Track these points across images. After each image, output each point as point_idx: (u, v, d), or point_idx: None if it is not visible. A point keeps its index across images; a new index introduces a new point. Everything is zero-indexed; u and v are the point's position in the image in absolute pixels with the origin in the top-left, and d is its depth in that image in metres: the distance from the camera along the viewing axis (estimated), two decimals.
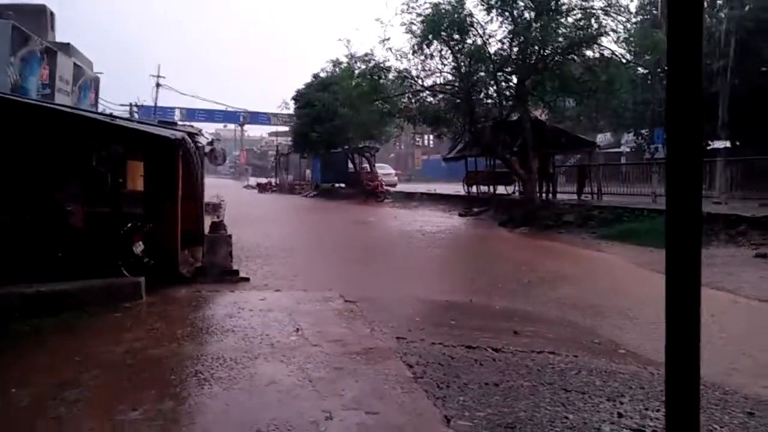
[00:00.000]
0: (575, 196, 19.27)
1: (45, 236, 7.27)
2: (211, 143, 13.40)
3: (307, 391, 3.83)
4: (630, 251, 11.34)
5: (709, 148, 20.95)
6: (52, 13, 19.38)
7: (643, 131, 29.72)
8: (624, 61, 18.00)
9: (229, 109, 62.66)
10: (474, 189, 24.12)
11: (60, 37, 19.88)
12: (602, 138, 34.81)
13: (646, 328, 6.02)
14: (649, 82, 23.27)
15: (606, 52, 17.12)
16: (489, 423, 3.32)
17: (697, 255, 1.39)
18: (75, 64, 19.28)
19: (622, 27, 16.76)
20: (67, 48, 19.13)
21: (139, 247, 7.58)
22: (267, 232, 14.80)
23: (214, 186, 18.93)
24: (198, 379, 4.04)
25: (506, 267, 10.36)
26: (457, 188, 26.02)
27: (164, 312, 6.13)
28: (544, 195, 19.97)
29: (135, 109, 45.32)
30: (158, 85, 45.28)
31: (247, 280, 8.25)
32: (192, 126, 13.89)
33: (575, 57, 17.16)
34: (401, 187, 34.05)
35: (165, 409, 3.56)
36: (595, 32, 16.26)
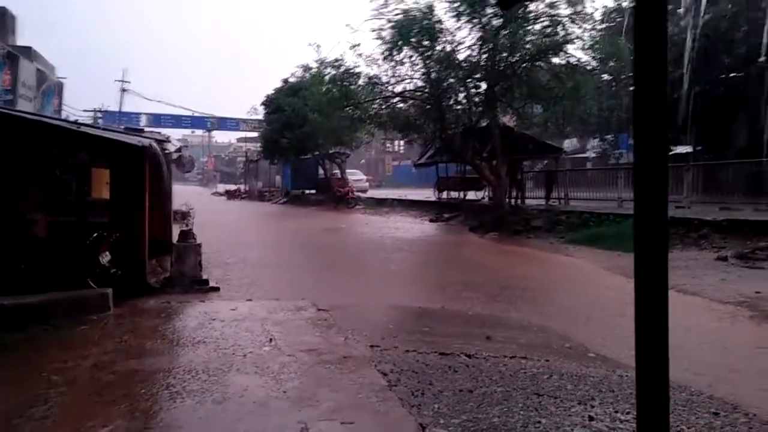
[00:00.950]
0: (543, 201, 19.60)
1: (7, 247, 7.07)
2: (178, 150, 13.22)
3: (282, 402, 3.81)
4: (598, 255, 11.56)
5: (672, 152, 21.56)
6: (13, 16, 18.89)
7: (608, 137, 30.51)
8: (589, 68, 18.41)
9: (197, 114, 61.97)
10: (445, 195, 24.35)
11: (21, 40, 19.38)
12: (569, 144, 35.49)
13: (615, 332, 6.16)
14: (613, 88, 23.86)
15: (572, 59, 17.48)
16: (464, 430, 3.35)
17: (664, 258, 1.44)
18: (38, 69, 18.82)
19: (587, 35, 17.19)
20: (29, 52, 18.66)
21: (105, 258, 7.43)
22: (237, 240, 14.66)
23: (182, 193, 18.59)
24: (170, 393, 3.98)
25: (477, 273, 10.46)
26: (428, 194, 26.21)
27: (133, 324, 6.01)
28: (513, 200, 20.27)
29: (99, 115, 44.42)
30: (123, 90, 44.62)
31: (217, 289, 8.16)
32: (159, 132, 13.68)
33: (542, 64, 17.48)
34: (372, 193, 34.10)
35: (136, 425, 3.50)
36: (561, 39, 16.60)
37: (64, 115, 26.05)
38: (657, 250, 1.44)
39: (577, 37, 16.80)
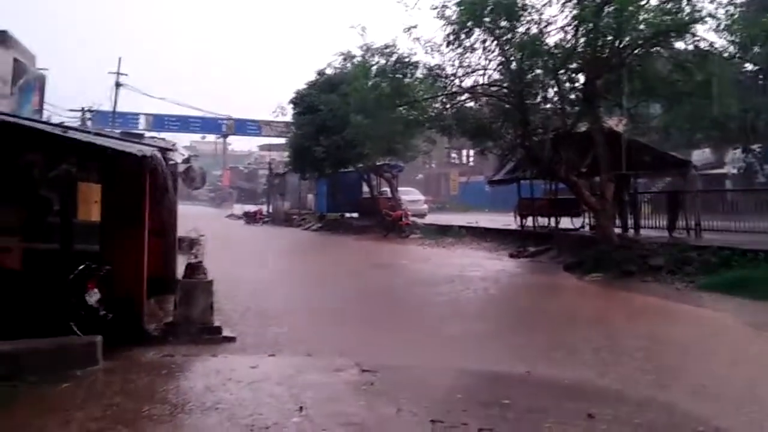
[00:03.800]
0: (665, 233, 19.13)
1: None
2: (187, 161, 13.64)
3: None
4: (743, 307, 11.18)
5: None
6: None
7: (754, 147, 29.60)
8: (726, 55, 18.01)
9: (209, 115, 63.90)
10: (529, 221, 24.10)
11: None
12: (700, 156, 34.59)
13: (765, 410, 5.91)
14: (760, 82, 23.26)
15: (702, 44, 17.14)
16: None
17: None
18: (15, 58, 19.87)
19: (722, 11, 16.84)
20: (4, 37, 19.70)
21: (94, 296, 7.68)
22: (258, 277, 14.90)
23: (190, 216, 19.15)
24: None
25: (575, 327, 10.25)
26: (507, 220, 26.02)
27: (126, 383, 6.16)
28: (623, 230, 19.84)
29: (89, 115, 46.33)
30: (118, 84, 46.37)
31: (232, 340, 8.29)
32: (163, 139, 14.19)
33: (661, 50, 17.22)
34: (432, 218, 34.12)
35: None
36: (687, 18, 16.31)
37: (46, 115, 27.33)
38: None
39: (709, 15, 16.48)
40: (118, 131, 18.30)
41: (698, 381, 7.17)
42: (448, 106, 20.76)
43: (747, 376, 7.36)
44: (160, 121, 59.85)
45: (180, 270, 9.49)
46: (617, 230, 19.19)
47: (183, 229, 12.00)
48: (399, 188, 34.26)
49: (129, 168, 8.17)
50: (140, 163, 8.08)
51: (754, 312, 10.70)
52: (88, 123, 45.89)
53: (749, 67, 22.43)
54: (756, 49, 18.78)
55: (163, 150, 10.27)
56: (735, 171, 33.74)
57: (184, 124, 63.13)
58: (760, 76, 23.39)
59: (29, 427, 4.94)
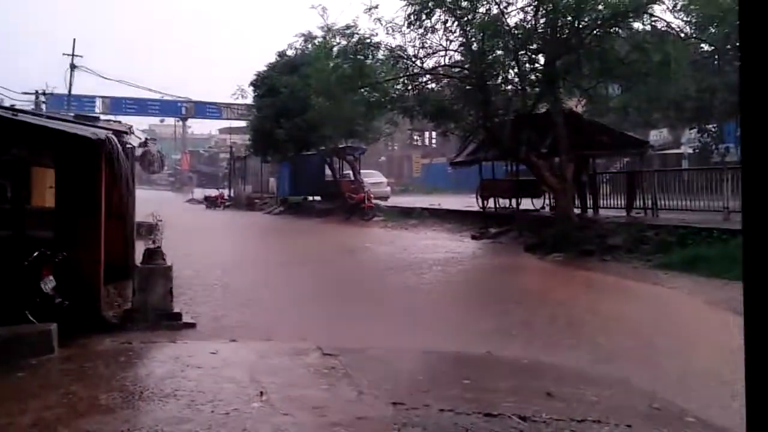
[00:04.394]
0: (624, 212, 19.41)
1: None
2: (144, 144, 13.45)
3: None
4: (698, 285, 11.40)
5: None
6: None
7: (709, 127, 30.15)
8: (683, 35, 18.26)
9: (168, 98, 62.90)
10: (491, 203, 24.25)
11: None
12: (657, 136, 35.18)
13: (720, 389, 6.05)
14: (716, 63, 23.64)
15: (660, 25, 17.34)
16: None
17: None
18: None
19: None
20: None
21: (49, 284, 7.56)
22: (218, 262, 14.79)
23: (149, 200, 18.91)
24: None
25: (535, 307, 10.38)
26: (469, 202, 26.13)
27: (83, 371, 6.08)
28: (582, 210, 20.08)
29: (43, 98, 45.18)
30: (73, 66, 45.22)
31: (192, 326, 8.24)
32: (119, 122, 13.94)
33: (620, 30, 17.37)
34: (395, 201, 34.16)
35: None
36: None
37: None
38: None
39: None
40: (72, 115, 17.90)
41: (654, 358, 7.31)
42: (409, 87, 20.73)
43: (701, 352, 7.53)
44: (117, 104, 58.77)
45: (138, 255, 9.36)
46: (577, 210, 19.41)
47: (141, 214, 11.85)
48: (361, 171, 34.20)
49: (84, 152, 8.03)
50: (95, 147, 7.95)
51: (708, 289, 10.92)
52: (43, 106, 44.82)
53: (705, 47, 22.79)
54: (712, 29, 19.10)
55: (119, 133, 10.10)
56: (691, 151, 34.34)
57: (142, 107, 62.08)
58: (716, 57, 23.74)
59: None
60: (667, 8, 17.11)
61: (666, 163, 31.23)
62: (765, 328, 1.42)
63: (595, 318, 9.40)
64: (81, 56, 46.48)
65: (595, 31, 17.12)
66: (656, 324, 9.35)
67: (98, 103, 58.27)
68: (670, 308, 10.44)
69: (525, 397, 5.66)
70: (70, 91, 46.10)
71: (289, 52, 33.62)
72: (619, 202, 20.45)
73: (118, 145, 8.56)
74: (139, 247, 9.75)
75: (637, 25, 17.44)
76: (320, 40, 26.17)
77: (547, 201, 22.31)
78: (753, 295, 1.41)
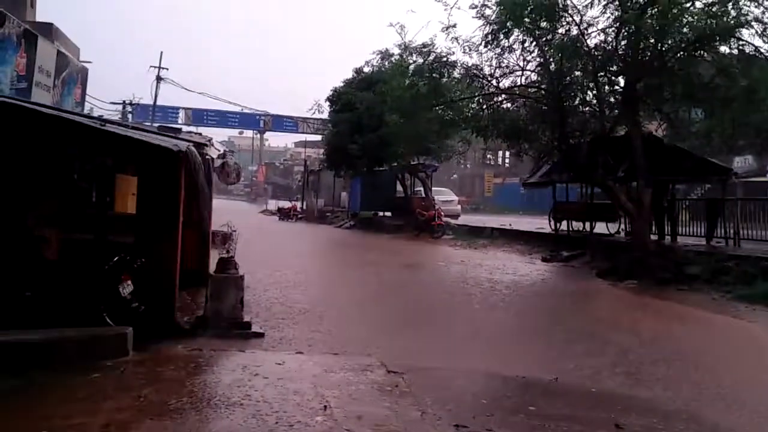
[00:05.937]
0: (703, 241, 18.83)
1: (10, 270, 7.56)
2: (222, 156, 13.79)
3: None
4: None
5: None
6: None
7: None
8: None
9: (247, 111, 64.56)
10: (564, 225, 23.89)
11: (41, 15, 20.93)
12: (741, 163, 34.03)
13: None
14: None
15: (747, 49, 16.80)
16: None
17: None
18: (59, 51, 20.25)
19: None
20: (49, 30, 20.09)
21: (127, 288, 7.82)
22: (289, 273, 14.98)
23: (224, 210, 19.34)
24: None
25: (606, 335, 10.12)
26: (541, 223, 25.82)
27: (155, 375, 6.25)
28: (659, 237, 19.55)
29: (130, 108, 47.09)
30: (159, 78, 46.98)
31: (261, 336, 8.38)
32: (200, 134, 14.36)
33: (705, 54, 16.92)
34: (465, 219, 34.03)
35: None
36: (733, 21, 16.00)
37: (87, 108, 27.90)
38: None
39: (756, 19, 16.15)
40: (157, 125, 18.54)
41: (730, 393, 7.03)
42: (484, 106, 20.63)
43: None
44: (199, 116, 60.66)
45: (212, 264, 9.58)
46: (653, 237, 18.93)
47: (216, 223, 12.14)
48: (433, 188, 34.22)
49: (165, 162, 8.29)
50: (176, 158, 8.20)
51: None
52: (129, 116, 46.70)
53: None
54: None
55: (199, 145, 10.40)
56: None
57: (222, 119, 63.87)
58: None
59: (59, 415, 5.03)
60: (756, 32, 16.55)
61: (750, 192, 30.03)
62: None
63: (670, 350, 9.11)
64: (167, 69, 48.23)
65: (678, 54, 16.71)
66: (733, 359, 9.01)
67: (181, 114, 60.26)
68: (748, 343, 10.05)
69: (592, 428, 5.54)
70: (155, 102, 47.89)
71: (366, 69, 34.04)
72: (698, 231, 19.82)
73: (198, 157, 8.80)
74: (213, 256, 9.96)
75: (724, 49, 16.94)
76: (397, 57, 26.41)
77: (622, 226, 21.84)
78: None
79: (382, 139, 28.70)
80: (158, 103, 49.31)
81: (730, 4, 15.84)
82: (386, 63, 30.79)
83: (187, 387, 5.90)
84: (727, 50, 16.99)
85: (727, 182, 21.24)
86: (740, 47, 16.77)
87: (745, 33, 16.41)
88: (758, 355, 9.32)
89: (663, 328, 10.76)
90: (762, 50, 17.03)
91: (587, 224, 23.17)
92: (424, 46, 22.16)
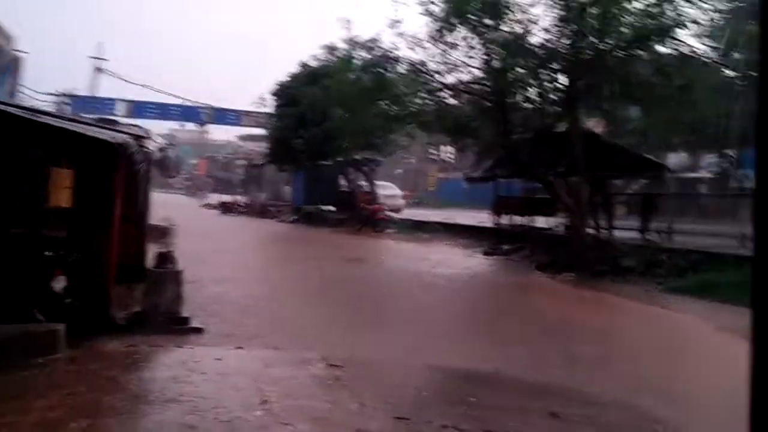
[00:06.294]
0: (638, 234, 19.30)
1: None
2: (162, 149, 13.55)
3: None
4: (709, 310, 11.34)
5: None
6: None
7: (729, 152, 30.00)
8: (706, 60, 18.18)
9: (189, 103, 63.42)
10: (505, 220, 24.19)
11: None
12: (676, 159, 34.99)
13: (725, 415, 5.96)
14: (738, 88, 23.50)
15: (684, 49, 17.27)
16: None
17: None
18: None
19: (705, 17, 16.97)
20: None
21: (60, 283, 7.60)
22: (229, 268, 14.81)
23: (163, 204, 18.95)
24: None
25: (544, 326, 10.32)
26: (484, 218, 26.10)
27: (89, 372, 6.10)
28: (596, 231, 19.99)
29: (67, 100, 45.72)
30: (98, 69, 45.78)
31: (200, 331, 8.25)
32: (138, 126, 14.05)
33: (643, 53, 17.33)
34: (409, 213, 34.13)
35: None
36: (671, 22, 16.42)
37: (21, 98, 26.98)
38: None
39: (693, 21, 16.63)
40: (94, 117, 18.07)
41: (660, 382, 7.23)
42: (429, 102, 20.76)
43: (708, 378, 7.44)
44: (139, 108, 59.12)
45: (150, 258, 9.39)
46: (591, 231, 19.32)
47: (155, 218, 11.92)
48: (377, 182, 34.27)
49: (102, 155, 8.10)
50: (113, 151, 8.02)
51: (719, 315, 10.81)
52: (66, 108, 45.33)
53: (728, 73, 22.67)
54: (736, 55, 19.01)
55: (138, 137, 10.17)
56: (709, 176, 34.16)
57: (163, 111, 62.41)
58: (738, 83, 23.62)
59: None
60: (692, 33, 17.05)
61: (683, 188, 31.03)
62: None
63: (603, 340, 9.35)
64: (106, 60, 47.06)
65: (617, 53, 17.08)
66: (664, 348, 9.28)
67: (121, 106, 58.74)
68: (678, 333, 10.38)
69: (529, 417, 5.63)
70: (93, 93, 46.63)
71: (312, 63, 33.83)
72: (634, 225, 20.34)
73: (136, 149, 8.62)
74: (152, 250, 9.77)
75: (661, 49, 17.38)
76: (343, 52, 26.33)
77: (561, 220, 22.25)
78: (761, 322, 1.40)
79: (327, 133, 28.64)
80: (97, 94, 48.10)
81: (669, 4, 16.26)
82: (332, 57, 30.68)
83: (121, 384, 5.78)
84: (665, 50, 17.46)
85: (661, 178, 21.91)
86: (676, 47, 17.25)
87: (681, 34, 16.89)
88: (687, 345, 9.61)
89: (598, 320, 11.03)
90: (697, 50, 17.57)
91: (528, 219, 23.50)
92: (370, 40, 22.14)
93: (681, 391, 7.00)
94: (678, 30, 16.72)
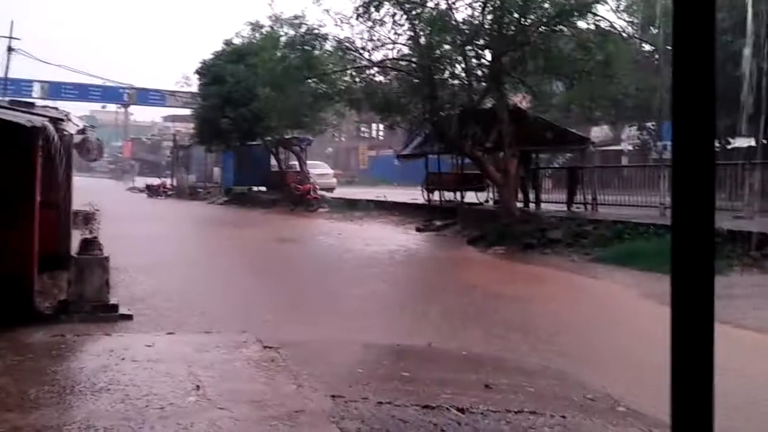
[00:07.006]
0: (564, 207, 19.78)
1: None
2: (82, 131, 13.08)
3: None
4: (633, 278, 11.67)
5: (729, 147, 21.88)
6: None
7: (649, 125, 30.91)
8: (625, 35, 18.65)
9: (110, 84, 61.43)
10: (436, 196, 24.41)
11: None
12: (598, 133, 35.90)
13: (652, 379, 6.18)
14: (656, 62, 24.20)
15: (603, 24, 17.68)
16: None
17: (710, 283, 1.42)
18: None
19: None
20: None
21: None
22: (158, 252, 14.52)
23: (87, 189, 18.43)
24: None
25: (475, 299, 10.49)
26: (415, 194, 26.27)
27: (12, 364, 5.88)
28: (525, 205, 20.39)
29: None
30: (10, 49, 43.75)
31: (129, 318, 8.06)
32: (56, 108, 13.50)
33: (565, 29, 17.65)
34: (341, 192, 34.11)
35: None
36: None
37: None
38: (700, 272, 1.42)
39: None
40: (7, 100, 17.27)
41: (587, 349, 7.47)
42: (357, 79, 20.72)
43: (633, 344, 7.70)
44: (56, 89, 57.00)
45: (75, 245, 9.10)
46: (519, 204, 19.70)
47: (78, 203, 11.54)
48: (307, 162, 34.07)
49: (18, 139, 7.78)
50: (30, 134, 7.72)
51: (642, 282, 11.15)
52: None
53: (646, 48, 23.32)
54: (653, 30, 19.55)
55: (55, 120, 9.80)
56: (630, 148, 35.17)
57: (82, 92, 60.42)
58: (657, 57, 24.31)
59: None
60: (611, 8, 17.47)
61: (606, 160, 31.85)
62: (688, 320, 1.45)
63: (532, 310, 9.57)
64: (19, 39, 45.00)
65: (540, 29, 17.36)
66: (590, 316, 9.57)
67: (37, 87, 56.46)
68: (604, 300, 10.70)
69: (463, 389, 5.70)
70: (6, 74, 44.64)
71: (236, 41, 33.27)
72: (560, 197, 20.83)
73: (54, 132, 8.32)
74: (76, 237, 9.47)
75: (582, 25, 17.75)
76: (268, 29, 25.97)
77: (490, 195, 22.57)
78: (679, 288, 1.44)
79: (254, 112, 28.25)
80: (10, 75, 46.01)
81: None
82: (257, 35, 30.21)
83: (48, 375, 5.59)
84: (585, 26, 17.84)
85: (585, 151, 22.46)
86: (597, 23, 17.64)
87: (601, 9, 17.29)
88: (613, 312, 9.91)
89: (527, 291, 11.25)
90: (616, 26, 18.01)
91: (458, 194, 23.78)
92: (296, 17, 22.00)
93: (608, 357, 7.23)
94: (598, 6, 17.13)
